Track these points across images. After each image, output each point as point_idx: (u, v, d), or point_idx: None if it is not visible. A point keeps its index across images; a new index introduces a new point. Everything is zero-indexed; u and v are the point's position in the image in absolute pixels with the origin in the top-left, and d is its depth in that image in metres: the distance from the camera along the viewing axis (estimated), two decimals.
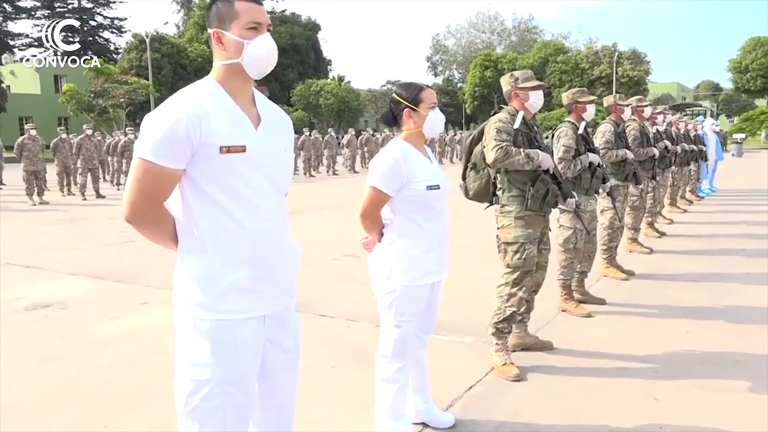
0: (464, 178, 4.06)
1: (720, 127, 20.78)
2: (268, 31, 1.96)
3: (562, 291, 5.18)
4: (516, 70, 35.37)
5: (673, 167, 9.50)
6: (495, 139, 3.72)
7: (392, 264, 2.82)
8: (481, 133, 3.91)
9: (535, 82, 3.86)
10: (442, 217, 2.90)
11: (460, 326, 4.77)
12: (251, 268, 1.93)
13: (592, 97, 5.18)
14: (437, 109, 2.88)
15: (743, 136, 40.23)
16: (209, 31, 1.96)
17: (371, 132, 27.79)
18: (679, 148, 9.63)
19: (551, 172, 3.82)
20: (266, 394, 2.14)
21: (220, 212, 1.89)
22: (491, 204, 4.01)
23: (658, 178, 7.90)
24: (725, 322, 4.90)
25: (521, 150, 3.72)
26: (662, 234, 8.87)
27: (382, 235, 2.91)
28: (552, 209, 3.97)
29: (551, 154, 5.04)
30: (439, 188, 2.84)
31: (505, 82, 3.95)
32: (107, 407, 3.47)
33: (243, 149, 1.89)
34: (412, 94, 2.85)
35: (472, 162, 4.00)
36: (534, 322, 4.62)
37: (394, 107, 2.90)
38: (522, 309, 3.98)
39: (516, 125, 3.74)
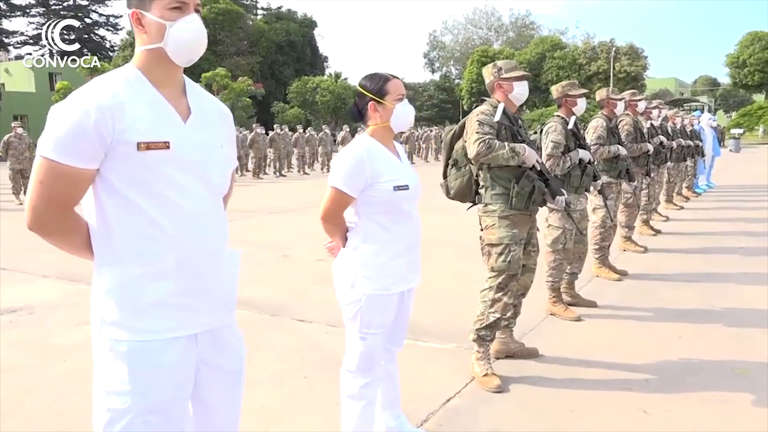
0: (445, 176, 3.82)
1: (717, 122, 20.56)
2: (197, 11, 1.72)
3: (550, 293, 4.95)
4: None
5: (668, 163, 9.27)
6: (477, 132, 3.48)
7: (356, 271, 2.58)
8: (462, 128, 3.67)
9: (520, 73, 3.61)
10: (412, 220, 2.65)
11: (442, 331, 4.55)
12: (178, 281, 1.70)
13: (583, 91, 4.94)
14: (405, 101, 2.63)
15: (741, 131, 40.00)
16: (128, 11, 1.72)
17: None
18: (675, 144, 9.39)
19: (538, 168, 3.58)
20: (202, 418, 1.90)
21: (140, 218, 1.65)
22: (474, 204, 3.77)
23: (652, 175, 7.66)
24: (722, 326, 4.66)
25: (505, 144, 3.48)
26: (657, 232, 8.64)
27: (347, 239, 2.67)
28: (539, 208, 3.73)
29: (539, 150, 4.82)
30: (407, 189, 2.58)
31: (488, 73, 3.71)
32: (55, 424, 3.23)
33: (166, 146, 1.65)
34: (377, 85, 2.60)
35: (453, 159, 3.76)
36: (520, 327, 4.38)
37: (359, 100, 2.65)
38: (507, 314, 3.75)
39: (497, 117, 3.49)
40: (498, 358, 3.93)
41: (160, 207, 1.66)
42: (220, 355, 1.86)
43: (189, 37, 1.68)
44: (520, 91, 3.62)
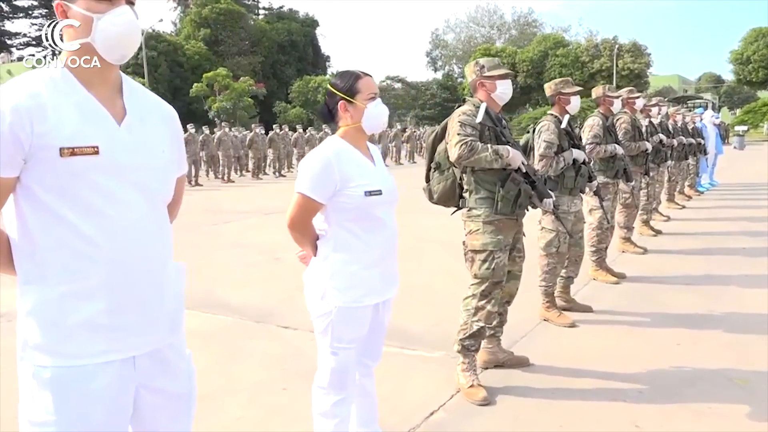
0: (428, 180, 3.66)
1: (720, 119, 20.32)
2: (129, 3, 1.56)
3: (543, 298, 4.78)
4: (516, 64, 34.52)
5: (669, 162, 9.08)
6: (458, 134, 3.32)
7: (326, 282, 2.43)
8: (445, 130, 3.51)
9: (503, 71, 3.45)
10: (386, 227, 2.48)
11: (431, 338, 4.38)
12: (110, 300, 1.55)
13: (577, 89, 4.77)
14: (378, 100, 2.47)
15: (745, 128, 39.62)
16: (54, 2, 1.57)
17: None
18: (675, 142, 9.21)
19: (523, 171, 3.41)
20: None
21: (66, 231, 1.50)
22: (459, 208, 3.61)
23: (651, 174, 7.47)
24: (722, 332, 4.49)
25: (488, 146, 3.31)
26: (658, 232, 8.45)
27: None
28: (526, 212, 3.56)
29: (531, 150, 4.66)
30: (380, 194, 2.42)
31: (470, 71, 3.54)
32: None
33: (95, 150, 1.50)
34: (348, 83, 2.44)
35: (435, 162, 3.59)
36: (512, 333, 4.24)
37: (329, 100, 2.50)
38: (493, 323, 3.59)
39: (479, 118, 3.32)
40: (486, 368, 3.78)
41: (89, 218, 1.51)
42: (164, 379, 1.71)
43: (118, 31, 1.53)
44: (504, 90, 3.45)
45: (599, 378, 3.69)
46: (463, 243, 3.54)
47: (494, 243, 3.39)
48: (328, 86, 2.50)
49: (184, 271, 1.77)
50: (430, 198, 3.65)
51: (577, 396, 3.46)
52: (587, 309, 5.01)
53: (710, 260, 6.81)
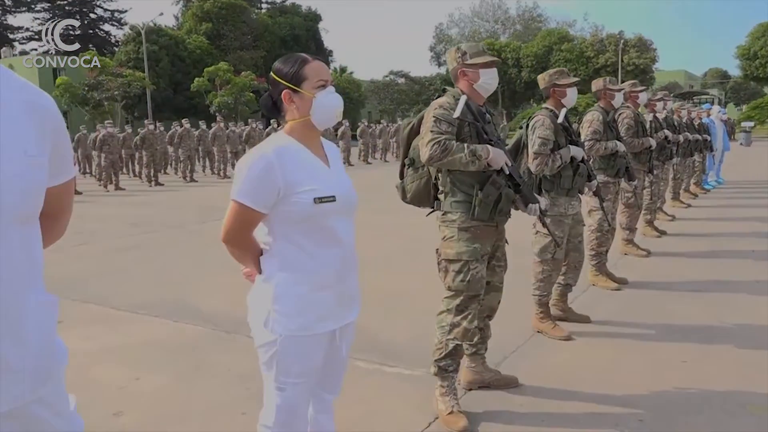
0: (402, 176, 3.27)
1: (727, 115, 19.85)
2: None
3: (537, 308, 4.39)
4: (520, 58, 33.83)
5: (674, 159, 8.66)
6: (432, 131, 2.92)
7: (269, 306, 2.05)
8: (422, 122, 3.11)
9: (487, 58, 3.04)
10: (342, 240, 2.10)
11: (414, 353, 4.00)
12: None
13: (574, 79, 4.36)
14: (330, 88, 2.07)
15: (752, 124, 39.02)
16: None
17: (366, 123, 26.96)
18: (681, 138, 8.80)
19: (507, 172, 3.01)
20: None
21: None
22: (434, 209, 3.22)
23: (656, 172, 7.06)
24: (734, 347, 4.08)
25: (464, 146, 2.90)
26: (662, 233, 8.04)
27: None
28: (508, 218, 3.16)
29: (524, 147, 4.28)
30: (334, 200, 2.03)
31: (451, 58, 3.14)
32: None
33: None
34: (292, 69, 2.05)
35: (410, 158, 3.20)
36: (501, 348, 3.88)
37: (273, 90, 2.11)
38: (474, 340, 3.21)
39: (456, 113, 2.92)
40: (470, 389, 3.41)
41: None
42: None
43: None
44: (488, 80, 3.04)
45: (595, 402, 3.30)
46: (437, 251, 3.15)
47: (470, 252, 3.00)
48: (272, 74, 2.11)
49: (54, 308, 1.39)
50: (403, 197, 3.26)
51: (570, 424, 3.08)
52: (585, 319, 4.63)
53: (718, 264, 6.41)
